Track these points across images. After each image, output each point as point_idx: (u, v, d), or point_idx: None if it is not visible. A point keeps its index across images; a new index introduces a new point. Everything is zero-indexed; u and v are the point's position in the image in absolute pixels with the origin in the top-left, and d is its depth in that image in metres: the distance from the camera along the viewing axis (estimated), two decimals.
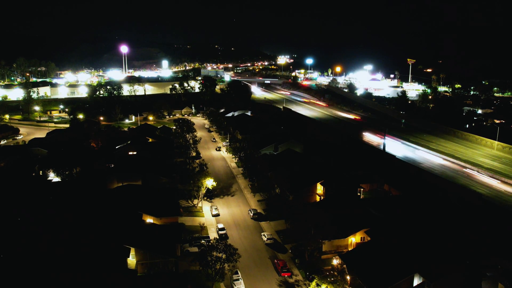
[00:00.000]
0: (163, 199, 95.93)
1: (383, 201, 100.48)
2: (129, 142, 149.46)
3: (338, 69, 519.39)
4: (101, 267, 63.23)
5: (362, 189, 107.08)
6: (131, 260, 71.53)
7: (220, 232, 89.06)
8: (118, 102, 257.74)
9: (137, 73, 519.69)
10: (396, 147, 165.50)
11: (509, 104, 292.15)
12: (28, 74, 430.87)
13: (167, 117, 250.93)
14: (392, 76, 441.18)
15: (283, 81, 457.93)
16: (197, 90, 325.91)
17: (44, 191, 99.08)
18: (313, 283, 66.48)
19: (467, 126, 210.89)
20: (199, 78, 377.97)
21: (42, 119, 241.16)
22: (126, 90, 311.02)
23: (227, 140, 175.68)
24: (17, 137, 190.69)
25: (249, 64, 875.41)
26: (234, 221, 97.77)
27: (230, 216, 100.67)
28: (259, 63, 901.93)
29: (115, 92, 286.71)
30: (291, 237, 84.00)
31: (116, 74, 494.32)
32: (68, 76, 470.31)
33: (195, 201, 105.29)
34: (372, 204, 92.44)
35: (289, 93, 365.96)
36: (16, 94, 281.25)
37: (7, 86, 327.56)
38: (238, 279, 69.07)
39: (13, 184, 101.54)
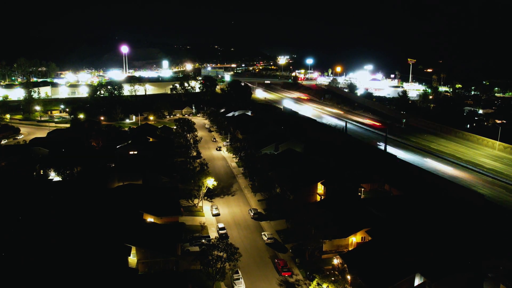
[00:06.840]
0: (164, 198, 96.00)
1: (384, 201, 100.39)
2: (129, 141, 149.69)
3: (338, 69, 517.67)
4: (103, 266, 63.22)
5: (362, 189, 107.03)
6: (132, 259, 71.61)
7: (221, 231, 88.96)
8: (119, 102, 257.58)
9: (137, 73, 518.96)
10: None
11: (510, 104, 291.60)
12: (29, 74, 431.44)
13: (168, 117, 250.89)
14: (392, 76, 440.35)
15: (283, 81, 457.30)
16: (197, 90, 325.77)
17: (45, 191, 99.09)
18: (314, 283, 66.41)
19: (468, 126, 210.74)
20: (200, 78, 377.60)
21: (42, 119, 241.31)
22: (127, 90, 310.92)
23: (228, 140, 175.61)
24: (18, 137, 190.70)
25: (248, 65, 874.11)
26: (234, 220, 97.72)
27: (230, 215, 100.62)
28: (259, 63, 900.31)
29: (115, 92, 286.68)
30: (291, 236, 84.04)
31: (116, 74, 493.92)
32: (68, 76, 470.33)
33: (196, 201, 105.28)
34: (372, 204, 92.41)
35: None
36: (17, 94, 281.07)
37: (8, 86, 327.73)
38: (238, 279, 69.06)
39: (14, 184, 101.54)
